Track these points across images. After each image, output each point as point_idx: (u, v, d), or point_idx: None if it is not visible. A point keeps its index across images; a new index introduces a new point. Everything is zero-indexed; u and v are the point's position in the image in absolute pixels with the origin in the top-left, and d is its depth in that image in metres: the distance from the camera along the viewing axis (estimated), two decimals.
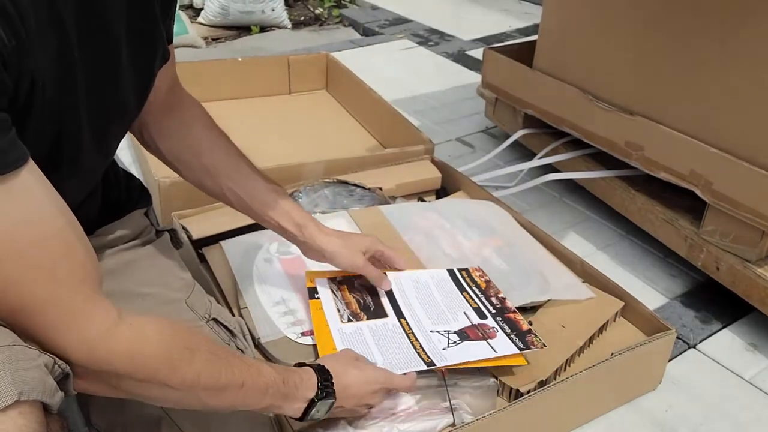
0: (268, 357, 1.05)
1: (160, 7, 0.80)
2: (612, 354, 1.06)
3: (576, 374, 1.02)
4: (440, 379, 1.02)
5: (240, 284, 1.16)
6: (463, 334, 1.07)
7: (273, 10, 2.93)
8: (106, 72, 0.72)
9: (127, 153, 1.79)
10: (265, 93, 2.10)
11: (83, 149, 0.73)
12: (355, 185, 1.47)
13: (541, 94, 1.68)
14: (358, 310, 1.10)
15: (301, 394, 0.83)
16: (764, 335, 1.31)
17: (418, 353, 1.03)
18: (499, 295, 1.15)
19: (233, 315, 1.10)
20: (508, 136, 1.83)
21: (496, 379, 1.04)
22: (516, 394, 1.02)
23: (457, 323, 1.09)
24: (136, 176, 1.04)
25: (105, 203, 0.92)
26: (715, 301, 1.38)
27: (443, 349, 1.04)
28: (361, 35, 3.01)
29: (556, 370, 1.07)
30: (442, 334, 1.07)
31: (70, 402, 0.97)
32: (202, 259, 1.26)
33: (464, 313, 1.12)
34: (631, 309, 1.20)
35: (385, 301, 1.12)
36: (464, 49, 2.77)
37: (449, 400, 1.00)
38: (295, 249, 1.22)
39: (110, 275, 0.88)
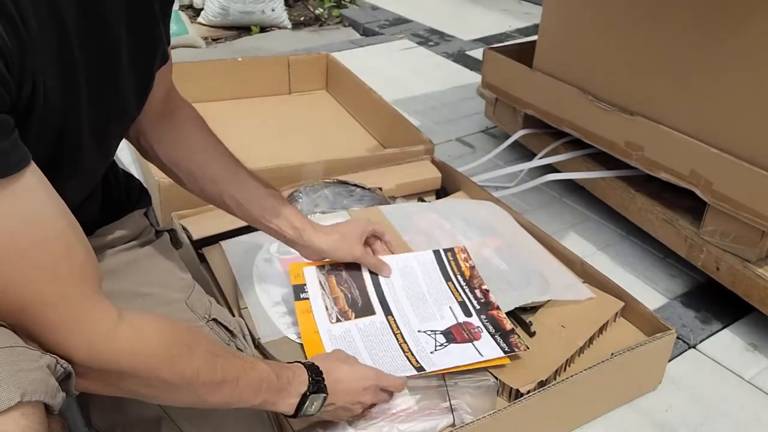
0: (267, 357, 1.05)
1: (159, 7, 0.80)
2: (612, 354, 1.06)
3: (576, 374, 1.02)
4: (440, 379, 1.02)
5: (240, 284, 1.16)
6: (450, 336, 1.09)
7: (273, 10, 2.93)
8: (106, 72, 0.72)
9: (127, 153, 1.79)
10: (265, 93, 2.10)
11: (83, 149, 0.73)
12: (355, 185, 1.47)
13: (541, 94, 1.68)
14: (346, 308, 1.10)
15: (293, 389, 0.83)
16: (764, 335, 1.31)
17: (407, 357, 1.04)
18: (483, 287, 1.16)
19: (233, 315, 1.10)
20: (508, 136, 1.83)
21: (497, 379, 1.04)
22: (516, 394, 1.02)
23: (443, 321, 1.11)
24: (136, 176, 1.04)
25: (105, 204, 0.92)
26: (715, 301, 1.38)
27: (431, 352, 1.05)
28: (361, 35, 3.01)
29: (556, 371, 1.07)
30: (429, 335, 1.08)
31: (71, 402, 0.97)
32: (202, 259, 1.26)
33: (450, 308, 1.13)
34: (631, 309, 1.20)
35: (372, 295, 1.13)
36: (464, 50, 2.77)
37: (449, 400, 1.00)
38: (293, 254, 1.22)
39: (110, 275, 0.88)
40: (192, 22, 2.84)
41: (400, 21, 3.11)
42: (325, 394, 0.86)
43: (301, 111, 2.06)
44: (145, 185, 1.03)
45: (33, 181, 0.59)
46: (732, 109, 1.27)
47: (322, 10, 3.22)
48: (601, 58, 1.53)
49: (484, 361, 1.04)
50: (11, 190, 0.56)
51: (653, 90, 1.42)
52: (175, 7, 2.87)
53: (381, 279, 1.15)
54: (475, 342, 1.08)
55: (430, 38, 2.90)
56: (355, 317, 1.09)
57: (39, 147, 0.60)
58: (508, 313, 1.15)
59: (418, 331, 1.09)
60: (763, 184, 1.21)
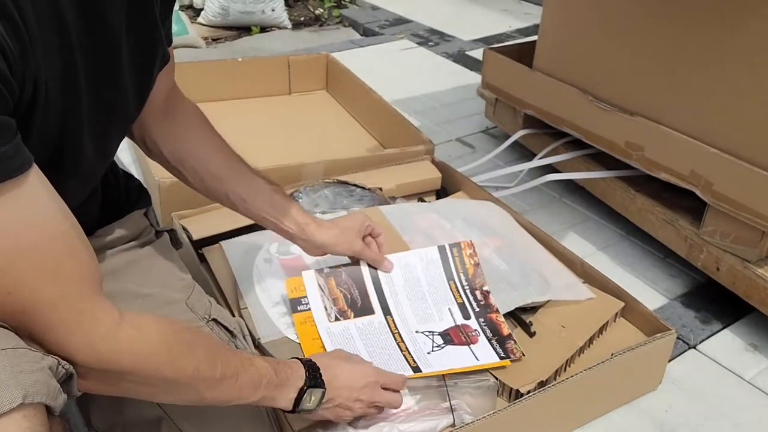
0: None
1: (159, 8, 0.80)
2: (612, 354, 1.06)
3: (576, 374, 1.02)
4: (440, 379, 1.03)
5: (240, 284, 1.16)
6: (447, 337, 1.09)
7: (273, 10, 2.93)
8: (107, 73, 0.72)
9: (127, 153, 1.79)
10: (265, 93, 2.10)
11: (84, 150, 0.73)
12: (355, 185, 1.47)
13: (541, 95, 1.68)
14: (346, 307, 1.10)
15: (291, 384, 0.84)
16: (764, 336, 1.31)
17: (404, 356, 1.04)
18: (484, 288, 1.16)
19: (233, 315, 1.10)
20: (508, 137, 1.83)
21: (497, 379, 1.04)
22: (516, 395, 1.02)
23: (441, 322, 1.11)
24: (136, 177, 1.04)
25: (105, 204, 0.92)
26: (715, 302, 1.38)
27: (428, 353, 1.06)
28: (362, 35, 3.01)
29: (557, 371, 1.07)
30: (427, 336, 1.09)
31: (71, 403, 0.97)
32: (202, 259, 1.26)
33: (449, 309, 1.13)
34: (631, 309, 1.20)
35: (372, 294, 1.13)
36: (464, 50, 2.77)
37: (449, 401, 1.00)
38: (295, 249, 1.22)
39: (110, 276, 0.88)
40: (192, 22, 2.84)
41: (400, 21, 3.11)
42: (323, 389, 0.86)
43: (301, 111, 2.06)
44: (145, 185, 1.03)
45: (36, 184, 0.59)
46: (732, 109, 1.27)
47: (322, 10, 3.22)
48: (601, 58, 1.53)
49: (479, 366, 1.05)
50: (15, 193, 0.56)
51: (653, 90, 1.42)
52: (176, 7, 2.88)
53: (381, 279, 1.14)
54: (471, 345, 1.08)
55: (430, 38, 2.90)
56: (354, 317, 1.10)
57: (40, 148, 0.60)
58: (509, 314, 1.16)
59: (416, 332, 1.10)
60: (763, 184, 1.21)
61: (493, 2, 3.39)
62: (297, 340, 1.07)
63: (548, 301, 1.20)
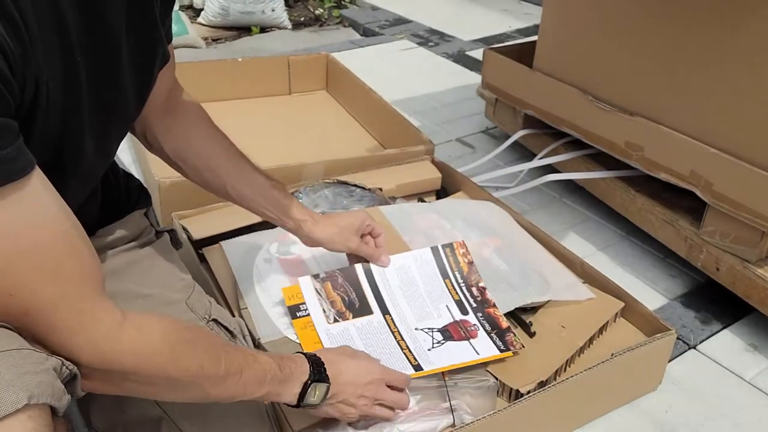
0: None
1: (159, 8, 0.80)
2: (612, 354, 1.06)
3: (576, 375, 1.02)
4: (440, 379, 1.03)
5: (240, 285, 1.16)
6: (446, 333, 1.09)
7: (273, 10, 2.93)
8: (107, 73, 0.72)
9: (127, 153, 1.79)
10: (265, 93, 2.10)
11: (85, 151, 0.73)
12: (355, 186, 1.47)
13: (541, 95, 1.68)
14: (344, 309, 1.11)
15: (295, 378, 0.84)
16: (764, 336, 1.31)
17: (405, 354, 1.05)
18: (480, 284, 1.17)
19: (233, 315, 1.10)
20: (508, 137, 1.83)
21: (497, 379, 1.04)
22: (516, 395, 1.02)
23: (440, 319, 1.12)
24: (136, 177, 1.04)
25: (105, 204, 0.92)
26: (715, 302, 1.38)
27: (428, 349, 1.06)
28: (362, 36, 3.01)
29: (557, 371, 1.07)
30: (427, 333, 1.09)
31: (72, 404, 0.96)
32: (203, 259, 1.26)
33: (446, 306, 1.14)
34: (631, 309, 1.20)
35: (369, 295, 1.13)
36: (464, 50, 2.77)
37: (449, 401, 1.00)
38: (294, 249, 1.23)
39: (111, 276, 0.88)
40: (192, 23, 2.84)
41: (400, 21, 3.11)
42: (327, 384, 0.86)
43: (302, 111, 2.06)
44: (145, 185, 1.03)
45: (38, 186, 0.59)
46: (732, 110, 1.27)
47: (322, 10, 3.22)
48: (601, 58, 1.53)
49: (481, 359, 1.05)
50: (17, 196, 0.56)
51: (653, 90, 1.42)
52: (175, 7, 2.88)
53: (378, 280, 1.15)
54: (471, 340, 1.08)
55: (430, 38, 2.90)
56: (353, 317, 1.10)
57: (41, 149, 0.61)
58: (509, 314, 1.16)
59: (416, 329, 1.10)
60: (763, 184, 1.21)
61: (493, 2, 3.39)
62: (297, 340, 1.07)
63: (548, 301, 1.20)
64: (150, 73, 0.83)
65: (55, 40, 0.61)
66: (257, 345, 1.06)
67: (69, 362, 0.61)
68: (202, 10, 2.93)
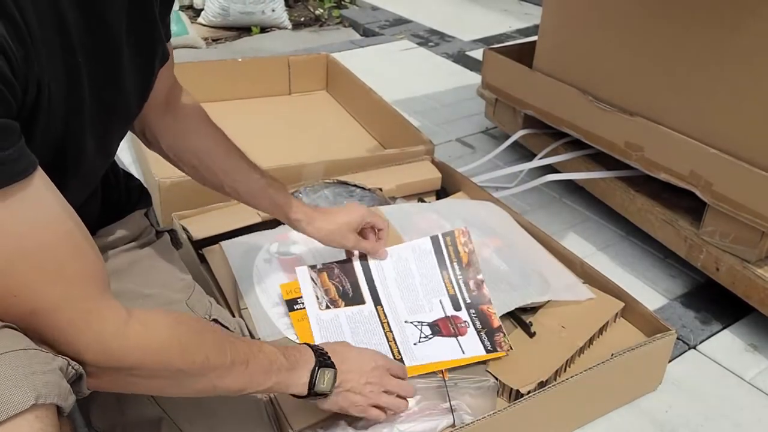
0: None
1: (159, 7, 0.80)
2: (612, 355, 1.06)
3: (576, 375, 1.02)
4: (440, 379, 1.03)
5: (240, 285, 1.17)
6: (435, 328, 1.10)
7: (273, 10, 2.93)
8: (108, 73, 0.72)
9: (127, 153, 1.79)
10: (265, 93, 2.10)
11: (86, 151, 0.73)
12: (355, 186, 1.47)
13: (541, 95, 1.68)
14: (337, 297, 1.12)
15: (302, 366, 0.84)
16: (764, 336, 1.31)
17: (390, 346, 1.06)
18: (478, 277, 1.16)
19: (233, 316, 1.10)
20: (508, 137, 1.83)
21: (497, 379, 1.04)
22: (516, 395, 1.02)
23: (432, 313, 1.12)
24: (136, 176, 1.04)
25: (105, 204, 0.92)
26: (715, 302, 1.38)
27: (414, 344, 1.07)
28: (362, 36, 3.01)
29: (557, 371, 1.08)
30: (416, 326, 1.10)
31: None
32: (203, 259, 1.26)
33: (440, 301, 1.14)
34: (631, 310, 1.20)
35: (363, 286, 1.14)
36: (464, 50, 2.77)
37: (449, 401, 1.00)
38: (294, 249, 1.23)
39: (112, 276, 0.87)
40: (192, 23, 2.84)
41: (400, 21, 3.11)
42: (334, 369, 0.87)
43: (302, 111, 2.06)
44: (145, 185, 1.03)
45: (40, 186, 0.59)
46: (732, 109, 1.27)
47: (322, 10, 3.22)
48: (601, 58, 1.53)
49: (464, 359, 1.05)
50: (20, 196, 0.57)
51: (653, 90, 1.42)
52: (175, 7, 2.88)
53: (373, 271, 1.16)
54: (459, 337, 1.09)
55: (430, 39, 2.90)
56: (345, 305, 1.11)
57: (42, 150, 0.61)
58: (509, 314, 1.16)
59: (405, 322, 1.11)
60: (762, 184, 1.21)
61: (493, 2, 3.39)
62: (297, 341, 1.08)
63: (548, 301, 1.20)
64: (150, 73, 0.83)
65: (56, 40, 0.61)
66: None
67: (75, 362, 0.62)
68: (202, 10, 2.93)
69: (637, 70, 1.45)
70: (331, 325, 1.08)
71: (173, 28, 2.63)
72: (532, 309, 1.19)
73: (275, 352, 0.82)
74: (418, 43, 2.83)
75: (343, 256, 1.18)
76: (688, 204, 1.40)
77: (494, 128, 2.03)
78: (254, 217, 1.33)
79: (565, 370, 1.10)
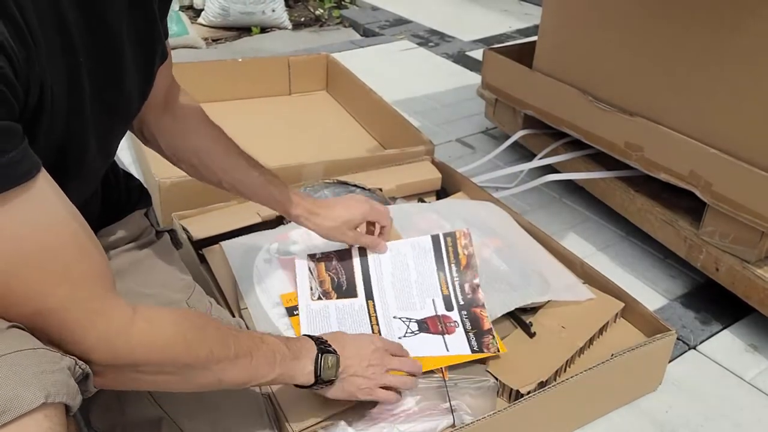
0: None
1: (158, 3, 0.80)
2: (612, 355, 1.06)
3: (576, 375, 1.02)
4: (440, 379, 1.03)
5: (240, 285, 1.16)
6: (423, 325, 1.10)
7: (273, 10, 2.93)
8: (109, 73, 0.72)
9: (127, 153, 1.79)
10: (265, 94, 2.10)
11: (88, 151, 0.73)
12: (355, 186, 1.47)
13: (541, 95, 1.69)
14: (330, 289, 1.13)
15: (305, 354, 0.85)
16: (764, 336, 1.31)
17: None
18: (474, 281, 1.16)
19: (233, 316, 1.10)
20: (508, 137, 1.83)
21: (497, 379, 1.04)
22: (516, 395, 1.02)
23: (423, 311, 1.12)
24: (136, 177, 1.04)
25: (105, 204, 0.92)
26: (715, 302, 1.38)
27: (399, 338, 1.07)
28: (362, 36, 3.01)
29: (557, 371, 1.08)
30: (404, 321, 1.10)
31: None
32: (203, 260, 1.26)
33: (433, 300, 1.14)
34: (631, 310, 1.20)
35: (358, 279, 1.15)
36: (464, 50, 2.77)
37: (449, 401, 1.00)
38: (294, 249, 1.22)
39: (114, 276, 0.88)
40: (192, 23, 2.84)
41: (400, 22, 3.11)
42: (336, 355, 0.88)
43: (302, 112, 2.06)
44: (145, 185, 1.03)
45: (44, 188, 0.59)
46: (732, 110, 1.27)
47: (322, 10, 3.22)
48: (601, 58, 1.53)
49: (448, 357, 1.05)
50: (24, 198, 0.57)
51: (653, 90, 1.42)
52: (175, 7, 2.88)
53: (371, 265, 1.16)
54: (446, 335, 1.09)
55: (430, 39, 2.90)
56: (337, 298, 1.12)
57: (45, 151, 0.61)
58: (509, 314, 1.16)
59: (394, 317, 1.11)
60: (762, 184, 1.21)
61: (493, 3, 3.39)
62: None
63: (548, 301, 1.20)
64: (151, 72, 0.83)
65: (57, 41, 0.61)
66: None
67: (81, 361, 0.62)
68: (202, 10, 2.93)
69: (637, 70, 1.45)
70: (319, 315, 1.09)
71: (173, 28, 2.65)
72: (532, 309, 1.19)
73: (278, 343, 0.83)
74: (418, 44, 2.83)
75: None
76: (688, 204, 1.40)
77: (494, 128, 2.03)
78: (254, 217, 1.33)
79: (565, 371, 1.10)
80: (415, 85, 2.39)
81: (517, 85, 1.76)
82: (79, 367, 0.61)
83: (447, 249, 1.19)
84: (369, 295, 1.13)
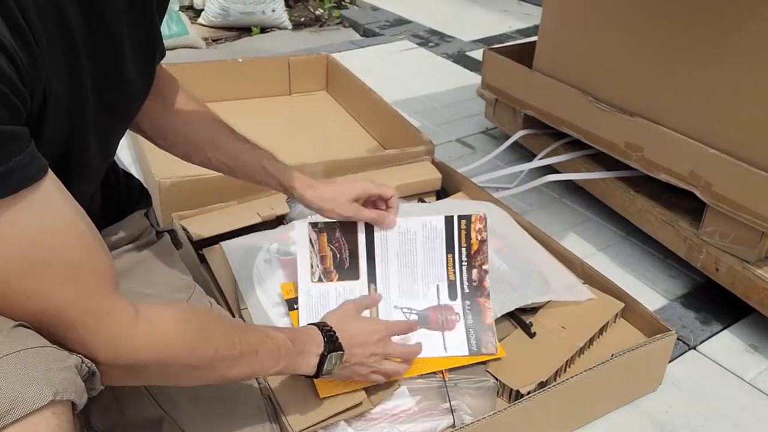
0: None
1: (156, 4, 0.80)
2: (612, 355, 1.06)
3: (576, 375, 1.02)
4: (440, 380, 1.03)
5: (240, 285, 1.16)
6: (424, 318, 1.08)
7: (273, 11, 2.93)
8: (111, 74, 0.72)
9: (127, 153, 1.79)
10: (265, 94, 2.10)
11: (89, 151, 0.74)
12: None
13: (540, 95, 1.69)
14: (332, 268, 1.09)
15: (310, 350, 0.86)
16: (764, 336, 1.31)
17: None
18: (483, 267, 1.11)
19: (233, 316, 1.10)
20: (508, 137, 1.83)
21: (497, 379, 1.04)
22: (516, 395, 1.02)
23: (425, 300, 1.10)
24: (136, 177, 1.04)
25: (105, 204, 0.92)
26: (715, 302, 1.38)
27: None
28: (362, 36, 3.01)
29: (557, 371, 1.08)
30: (405, 313, 1.09)
31: None
32: (203, 260, 1.26)
33: (437, 287, 1.11)
34: (631, 310, 1.20)
35: (362, 257, 1.09)
36: (464, 50, 2.77)
37: (449, 401, 1.00)
38: (294, 249, 1.22)
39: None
40: (192, 23, 2.84)
41: (400, 22, 3.11)
42: (342, 352, 0.89)
43: (302, 112, 2.06)
44: (145, 185, 1.03)
45: (51, 189, 0.59)
46: (732, 110, 1.27)
47: (322, 10, 3.22)
48: (601, 58, 1.53)
49: (445, 358, 1.05)
50: (31, 200, 0.57)
51: (653, 90, 1.42)
52: (176, 7, 2.88)
53: (376, 243, 1.10)
54: (446, 332, 1.07)
55: (430, 39, 2.90)
56: (338, 280, 1.09)
57: (49, 153, 0.61)
58: (509, 314, 1.16)
59: (395, 307, 1.09)
60: (762, 185, 1.21)
61: (493, 3, 3.39)
62: None
63: (548, 301, 1.20)
64: (151, 71, 0.84)
65: (59, 44, 0.62)
66: None
67: (87, 360, 0.62)
68: (202, 10, 2.93)
69: (637, 70, 1.45)
70: (319, 302, 1.07)
71: (173, 28, 2.65)
72: (532, 309, 1.19)
73: (284, 339, 0.83)
74: (418, 44, 2.83)
75: None
76: (688, 204, 1.41)
77: (494, 128, 2.03)
78: (254, 217, 1.33)
79: (565, 371, 1.10)
80: (415, 85, 2.39)
81: (517, 85, 1.76)
82: (86, 365, 0.62)
83: (460, 232, 1.12)
84: (371, 278, 1.10)
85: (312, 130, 1.94)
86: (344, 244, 1.09)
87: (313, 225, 1.08)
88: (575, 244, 1.54)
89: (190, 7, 3.07)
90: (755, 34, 1.21)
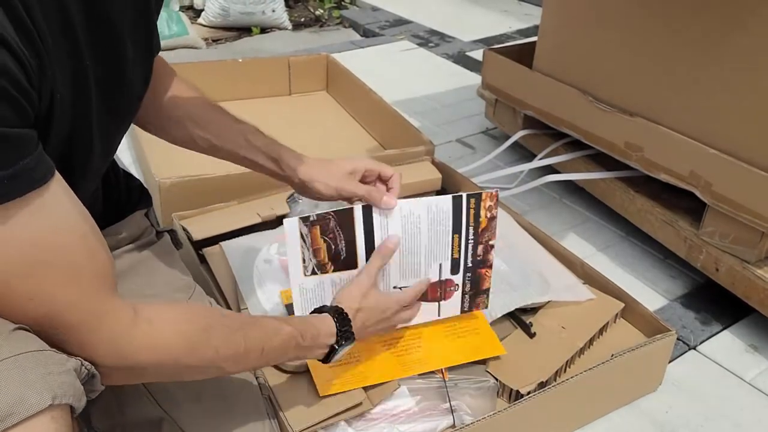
0: None
1: (155, 1, 0.80)
2: (612, 355, 1.06)
3: (576, 375, 1.02)
4: (440, 380, 1.03)
5: (240, 285, 1.17)
6: (423, 294, 1.03)
7: (273, 11, 2.93)
8: (113, 74, 0.72)
9: (127, 153, 1.79)
10: (265, 94, 2.10)
11: (92, 151, 0.74)
12: None
13: (541, 95, 1.69)
14: (326, 260, 0.98)
15: (321, 342, 0.86)
16: (764, 337, 1.31)
17: None
18: (490, 242, 1.04)
19: None
20: (508, 137, 1.83)
21: (497, 380, 1.04)
22: (516, 396, 1.02)
23: (426, 278, 1.03)
24: (136, 177, 1.04)
25: (106, 204, 0.92)
26: (715, 303, 1.38)
27: None
28: (362, 36, 3.01)
29: (557, 372, 1.08)
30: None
31: None
32: (203, 260, 1.26)
33: (440, 265, 1.03)
34: (631, 310, 1.20)
35: (360, 245, 0.98)
36: (464, 51, 2.77)
37: (449, 401, 1.00)
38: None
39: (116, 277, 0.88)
40: (192, 23, 2.84)
41: (400, 22, 3.11)
42: (353, 341, 0.90)
43: (302, 112, 2.06)
44: (145, 185, 1.03)
45: (57, 191, 0.59)
46: (732, 110, 1.27)
47: (322, 11, 3.22)
48: (601, 58, 1.53)
49: (449, 357, 1.05)
50: (39, 203, 0.57)
51: (653, 90, 1.42)
52: (176, 7, 2.88)
53: (376, 225, 0.98)
54: (442, 301, 1.06)
55: (430, 39, 2.90)
56: (334, 270, 0.98)
57: (55, 153, 0.61)
58: (509, 314, 1.16)
59: (394, 287, 1.02)
60: (762, 185, 1.21)
61: (493, 3, 3.39)
62: None
63: (548, 302, 1.20)
64: (150, 67, 0.84)
65: (66, 48, 0.62)
66: None
67: (87, 362, 0.62)
68: (202, 10, 2.93)
69: (637, 70, 1.45)
70: (314, 294, 0.98)
71: (173, 28, 2.65)
72: (533, 309, 1.19)
73: (293, 334, 0.82)
74: (419, 44, 2.83)
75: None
76: (688, 204, 1.41)
77: (494, 129, 2.03)
78: (254, 217, 1.33)
79: (565, 371, 1.10)
80: (415, 86, 2.39)
81: (517, 85, 1.76)
82: (85, 368, 0.62)
83: (468, 211, 1.02)
84: None
85: (312, 130, 1.94)
86: (340, 234, 0.98)
87: (304, 219, 0.96)
88: (575, 244, 1.54)
89: (190, 7, 3.07)
90: (755, 34, 1.21)
